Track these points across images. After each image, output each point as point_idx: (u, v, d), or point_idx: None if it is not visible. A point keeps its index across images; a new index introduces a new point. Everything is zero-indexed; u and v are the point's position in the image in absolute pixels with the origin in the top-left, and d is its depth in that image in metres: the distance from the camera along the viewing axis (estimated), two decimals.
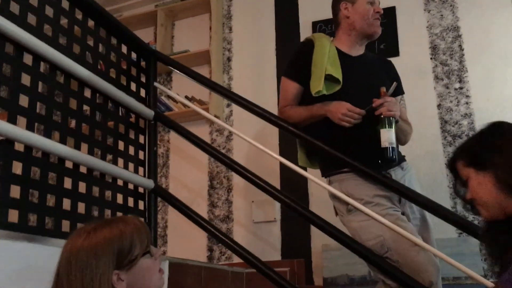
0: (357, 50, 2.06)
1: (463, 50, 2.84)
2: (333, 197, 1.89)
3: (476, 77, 2.77)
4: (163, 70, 3.49)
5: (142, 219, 1.98)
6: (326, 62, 1.92)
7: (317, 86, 1.89)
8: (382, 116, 1.78)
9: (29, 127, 1.47)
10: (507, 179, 1.13)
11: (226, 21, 3.54)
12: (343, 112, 1.80)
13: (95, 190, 1.76)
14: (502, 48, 2.76)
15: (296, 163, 1.99)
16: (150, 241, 1.10)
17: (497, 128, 1.23)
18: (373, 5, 2.01)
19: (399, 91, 2.08)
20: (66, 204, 1.59)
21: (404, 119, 2.04)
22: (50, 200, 1.51)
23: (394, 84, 1.88)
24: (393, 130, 1.78)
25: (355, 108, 1.81)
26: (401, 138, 2.00)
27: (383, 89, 1.84)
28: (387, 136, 1.77)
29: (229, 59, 3.45)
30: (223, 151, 3.21)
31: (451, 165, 1.27)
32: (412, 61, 2.90)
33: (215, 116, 3.12)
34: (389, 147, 1.76)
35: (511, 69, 2.71)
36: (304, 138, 1.98)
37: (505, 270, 1.13)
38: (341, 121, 1.81)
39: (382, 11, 2.02)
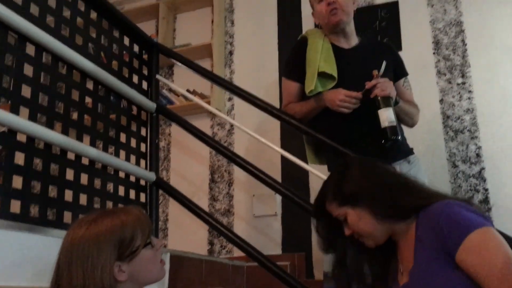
0: (348, 42, 2.05)
1: (466, 45, 2.83)
2: None
3: (479, 72, 2.76)
4: (165, 63, 3.48)
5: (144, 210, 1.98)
6: (319, 59, 1.94)
7: (310, 85, 1.91)
8: (378, 98, 1.78)
9: (32, 118, 1.47)
10: (379, 209, 1.19)
11: (228, 15, 3.53)
12: (341, 98, 1.82)
13: (97, 181, 1.76)
14: (505, 43, 2.74)
15: (297, 157, 1.99)
16: (151, 231, 1.09)
17: (352, 165, 1.30)
18: None
19: (402, 73, 2.08)
20: (68, 195, 1.60)
21: (410, 100, 2.03)
22: (52, 191, 1.52)
23: (384, 63, 1.87)
24: (391, 109, 1.77)
25: (352, 92, 1.82)
26: (408, 121, 2.00)
27: (375, 71, 1.84)
28: (386, 116, 1.76)
29: (231, 53, 3.44)
30: (225, 145, 3.20)
31: (319, 211, 1.30)
32: (414, 55, 2.89)
33: (217, 109, 3.11)
34: (390, 126, 1.74)
35: None
36: (305, 131, 1.98)
37: (382, 280, 1.24)
38: (339, 108, 1.82)
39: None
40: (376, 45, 2.24)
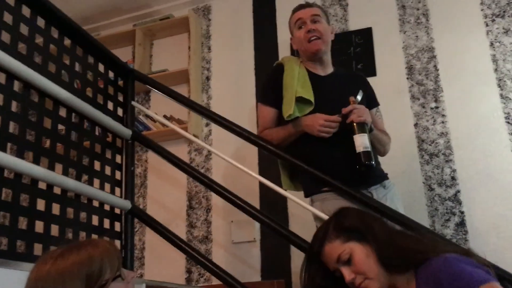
0: (324, 70, 2.09)
1: (438, 70, 2.89)
2: (315, 217, 1.88)
3: (451, 97, 2.82)
4: (142, 89, 3.46)
5: (113, 241, 1.92)
6: (296, 84, 1.96)
7: (288, 110, 1.92)
8: (353, 123, 1.79)
9: (1, 148, 1.43)
10: (383, 252, 1.15)
11: (205, 41, 3.55)
12: (320, 123, 1.82)
13: (70, 211, 1.72)
14: (476, 68, 2.81)
15: (275, 182, 1.97)
16: (121, 263, 1.05)
17: (349, 208, 1.29)
18: (304, 26, 2.04)
19: (373, 104, 2.12)
20: (39, 226, 1.55)
21: (382, 129, 2.06)
22: (23, 223, 1.47)
23: (360, 92, 1.91)
24: (366, 135, 1.79)
25: (330, 116, 1.84)
26: (380, 149, 2.01)
27: (352, 98, 1.87)
28: (361, 141, 1.78)
29: (208, 78, 3.45)
30: (202, 170, 3.18)
31: (317, 256, 1.23)
32: (389, 81, 2.94)
33: (194, 135, 3.10)
34: (364, 151, 1.76)
35: (485, 88, 2.76)
36: (283, 157, 1.98)
37: None
38: (320, 133, 1.83)
39: (313, 27, 2.02)
40: (350, 74, 2.29)
